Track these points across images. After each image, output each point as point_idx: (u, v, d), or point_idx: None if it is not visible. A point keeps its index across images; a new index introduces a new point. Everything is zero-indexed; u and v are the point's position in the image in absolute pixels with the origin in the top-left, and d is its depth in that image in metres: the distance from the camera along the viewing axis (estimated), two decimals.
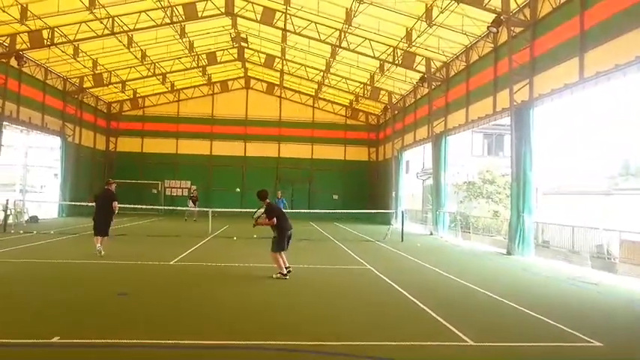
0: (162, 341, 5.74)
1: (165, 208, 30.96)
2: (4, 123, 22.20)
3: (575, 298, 9.29)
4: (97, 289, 8.88)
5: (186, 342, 5.72)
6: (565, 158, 27.26)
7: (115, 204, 12.62)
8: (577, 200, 23.20)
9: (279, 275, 10.13)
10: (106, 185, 13.04)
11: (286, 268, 10.21)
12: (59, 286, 9.07)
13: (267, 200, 10.45)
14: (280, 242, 10.20)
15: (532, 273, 12.14)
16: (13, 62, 22.02)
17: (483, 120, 19.22)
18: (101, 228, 12.54)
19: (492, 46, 18.62)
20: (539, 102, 15.04)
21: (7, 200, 19.34)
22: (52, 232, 18.17)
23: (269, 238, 10.68)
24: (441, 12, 17.98)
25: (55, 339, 5.58)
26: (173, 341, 5.73)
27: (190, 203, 28.18)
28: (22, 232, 18.01)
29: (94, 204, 13.15)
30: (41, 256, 12.51)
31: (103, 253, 12.29)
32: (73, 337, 5.75)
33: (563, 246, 14.69)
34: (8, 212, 19.44)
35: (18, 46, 21.59)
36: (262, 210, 10.36)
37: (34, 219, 23.39)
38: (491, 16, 16.41)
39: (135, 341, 5.72)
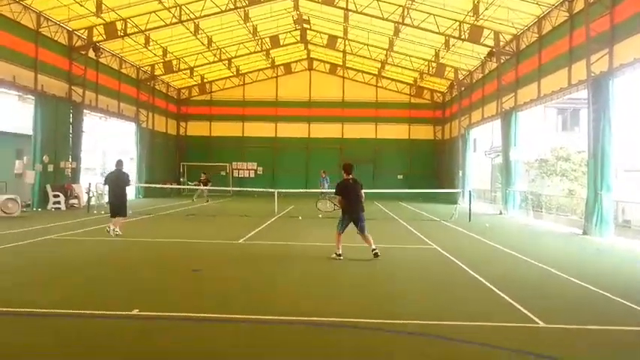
0: (234, 316, 6.01)
1: (234, 189, 31.99)
2: (85, 111, 23.75)
3: None
4: (173, 265, 9.40)
5: (255, 317, 5.94)
6: None
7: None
8: None
9: (334, 256, 9.91)
10: (118, 166, 13.21)
11: (338, 254, 9.91)
12: (137, 262, 9.68)
13: (351, 176, 10.26)
14: (342, 223, 10.21)
15: (610, 254, 11.50)
16: (91, 54, 23.38)
17: (557, 94, 18.20)
18: (120, 209, 12.86)
19: (567, 15, 17.49)
20: (620, 72, 14.01)
21: (90, 183, 20.74)
22: (129, 212, 19.27)
23: (334, 217, 10.77)
24: None
25: (135, 311, 5.95)
26: (244, 316, 5.99)
27: (201, 185, 28.34)
28: (103, 212, 19.22)
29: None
30: (120, 235, 13.30)
31: (119, 233, 12.67)
32: (152, 309, 6.09)
33: None
34: (91, 195, 20.85)
35: (95, 38, 22.95)
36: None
37: None
38: None
39: (208, 315, 6.01)
